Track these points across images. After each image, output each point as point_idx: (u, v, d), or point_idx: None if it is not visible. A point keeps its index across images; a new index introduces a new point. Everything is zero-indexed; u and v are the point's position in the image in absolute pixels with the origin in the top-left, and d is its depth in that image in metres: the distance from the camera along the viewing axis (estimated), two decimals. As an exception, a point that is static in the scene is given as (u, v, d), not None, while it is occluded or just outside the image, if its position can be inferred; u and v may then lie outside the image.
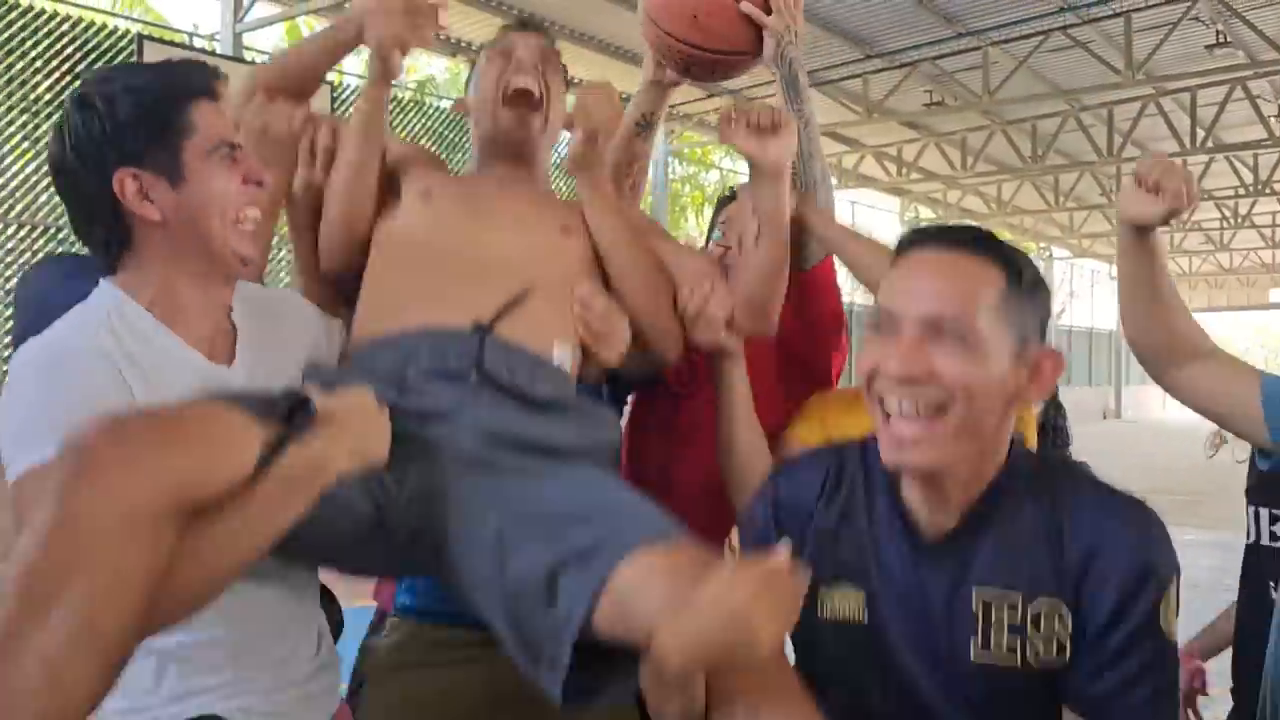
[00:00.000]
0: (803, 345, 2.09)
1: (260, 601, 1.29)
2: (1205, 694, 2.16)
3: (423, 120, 11.53)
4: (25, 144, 8.46)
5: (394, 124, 11.01)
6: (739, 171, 2.74)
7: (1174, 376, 1.56)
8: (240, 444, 1.08)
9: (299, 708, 1.34)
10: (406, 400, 1.33)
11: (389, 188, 1.63)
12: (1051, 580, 1.15)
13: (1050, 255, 26.31)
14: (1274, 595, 1.84)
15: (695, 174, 18.18)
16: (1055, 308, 28.60)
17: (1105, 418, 28.62)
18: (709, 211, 2.44)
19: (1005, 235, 23.62)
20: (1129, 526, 1.16)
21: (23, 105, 8.40)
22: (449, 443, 1.31)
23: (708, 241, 2.21)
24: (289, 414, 1.14)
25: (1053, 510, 1.18)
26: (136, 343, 1.23)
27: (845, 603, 1.21)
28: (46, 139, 7.29)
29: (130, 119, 1.21)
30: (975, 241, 1.19)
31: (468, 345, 1.39)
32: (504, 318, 1.43)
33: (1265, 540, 1.92)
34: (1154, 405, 31.53)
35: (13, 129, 8.35)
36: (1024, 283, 1.17)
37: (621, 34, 9.81)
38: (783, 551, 0.97)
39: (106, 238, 1.26)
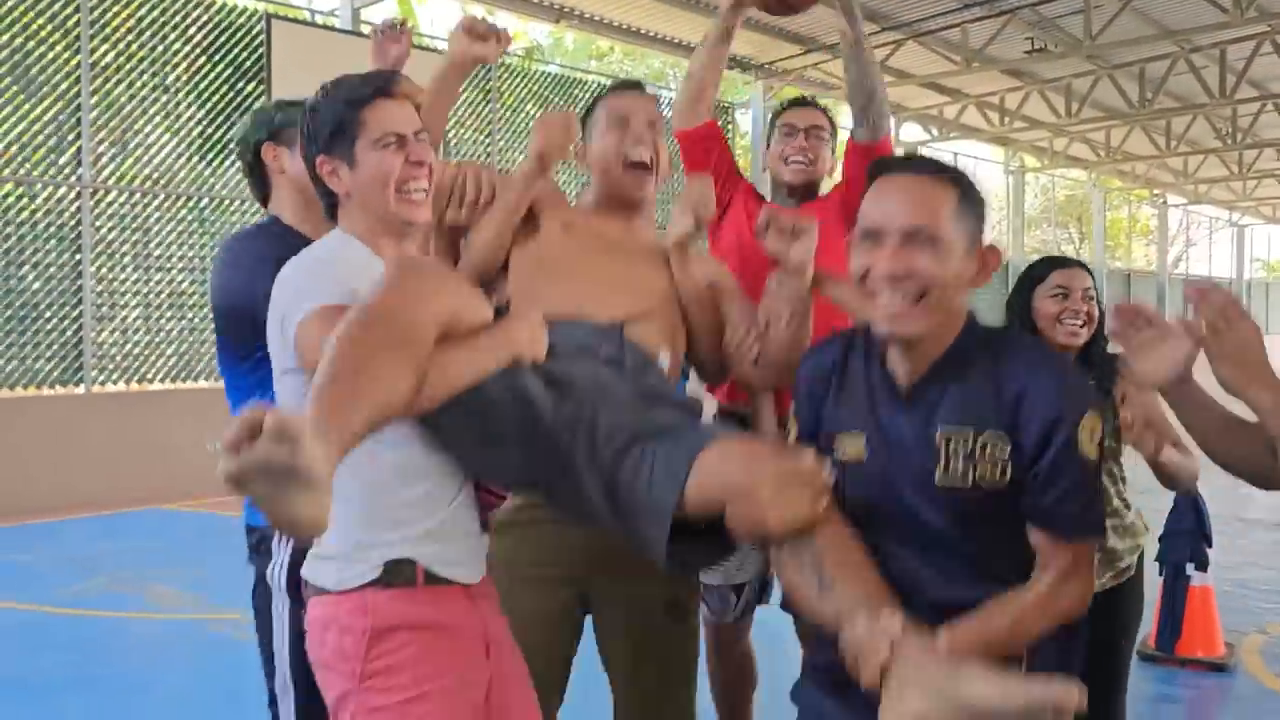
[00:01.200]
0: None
1: (434, 468, 1.72)
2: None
3: (528, 84, 11.95)
4: (164, 120, 9.06)
5: (501, 88, 11.47)
6: (843, 127, 2.98)
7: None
8: (484, 308, 1.64)
9: (471, 556, 1.74)
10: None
11: (527, 218, 2.12)
12: (994, 417, 1.50)
13: (1165, 202, 25.47)
14: None
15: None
16: (1171, 256, 27.63)
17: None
18: None
19: (1116, 183, 22.92)
20: (1048, 378, 1.50)
21: (162, 85, 9.01)
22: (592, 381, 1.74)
23: (768, 143, 2.84)
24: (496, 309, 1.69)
25: (995, 364, 1.53)
26: (360, 264, 1.70)
27: (853, 446, 1.59)
28: (183, 115, 7.84)
29: (323, 123, 1.71)
30: (931, 166, 1.55)
31: (613, 334, 1.92)
32: (628, 324, 1.95)
33: None
34: None
35: (154, 107, 8.95)
36: (970, 197, 1.53)
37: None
38: (810, 456, 1.51)
39: (327, 200, 1.79)
